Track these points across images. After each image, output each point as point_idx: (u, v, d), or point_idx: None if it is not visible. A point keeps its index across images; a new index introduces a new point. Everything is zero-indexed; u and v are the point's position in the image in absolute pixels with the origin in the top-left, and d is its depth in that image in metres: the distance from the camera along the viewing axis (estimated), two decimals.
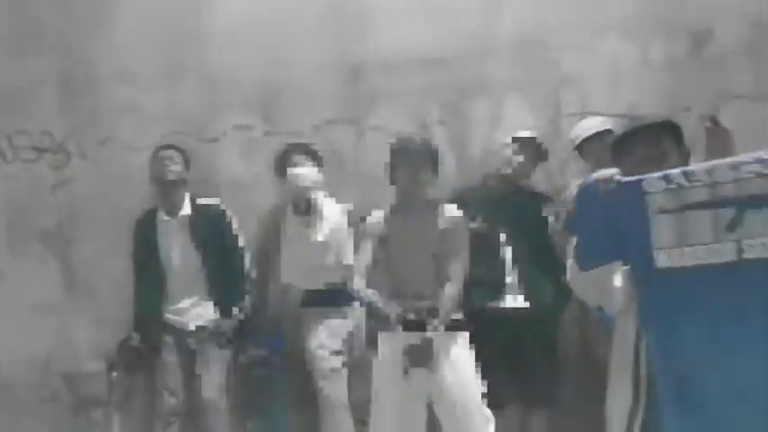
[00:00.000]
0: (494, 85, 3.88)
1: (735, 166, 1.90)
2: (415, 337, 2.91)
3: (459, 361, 2.98)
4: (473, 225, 3.28)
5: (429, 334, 2.89)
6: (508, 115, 3.84)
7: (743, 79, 3.68)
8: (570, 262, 2.22)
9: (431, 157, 3.07)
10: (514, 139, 3.54)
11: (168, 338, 3.67)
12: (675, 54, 3.67)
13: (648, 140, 2.32)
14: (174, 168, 3.68)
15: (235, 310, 3.64)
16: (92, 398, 3.98)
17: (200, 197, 3.74)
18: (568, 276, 2.27)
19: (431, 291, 2.99)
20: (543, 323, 3.49)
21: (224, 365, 3.66)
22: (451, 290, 2.98)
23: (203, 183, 3.86)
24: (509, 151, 3.53)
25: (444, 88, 3.89)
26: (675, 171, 1.96)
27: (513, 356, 3.38)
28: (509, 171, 3.54)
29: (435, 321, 2.92)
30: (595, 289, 2.22)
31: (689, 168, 1.96)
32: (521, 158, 3.52)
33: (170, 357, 3.66)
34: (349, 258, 3.56)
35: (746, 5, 3.66)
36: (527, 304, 3.42)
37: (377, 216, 3.14)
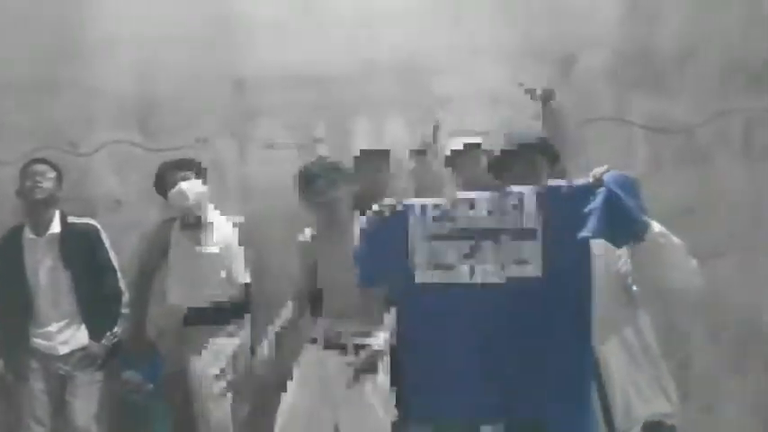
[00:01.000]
0: (374, 104, 3.94)
1: (472, 205, 2.34)
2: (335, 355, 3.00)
3: (376, 384, 3.00)
4: None
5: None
6: (388, 132, 3.93)
7: (605, 102, 3.94)
8: None
9: (340, 178, 3.10)
10: (361, 153, 3.58)
11: (35, 364, 3.49)
12: (544, 78, 3.89)
13: (524, 159, 2.46)
14: (45, 185, 3.52)
15: (107, 334, 3.50)
16: None
17: (73, 214, 3.58)
18: None
19: (355, 311, 3.01)
20: None
21: (96, 390, 3.52)
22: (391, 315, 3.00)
23: (76, 200, 3.71)
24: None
25: (326, 105, 3.91)
26: (430, 204, 2.39)
27: None
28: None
29: (375, 344, 3.00)
30: None
31: (440, 203, 2.40)
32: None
33: (37, 385, 3.48)
34: (240, 274, 3.52)
35: (608, 37, 3.92)
36: None
37: (307, 235, 3.20)
